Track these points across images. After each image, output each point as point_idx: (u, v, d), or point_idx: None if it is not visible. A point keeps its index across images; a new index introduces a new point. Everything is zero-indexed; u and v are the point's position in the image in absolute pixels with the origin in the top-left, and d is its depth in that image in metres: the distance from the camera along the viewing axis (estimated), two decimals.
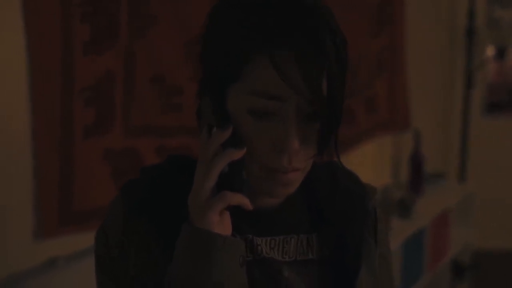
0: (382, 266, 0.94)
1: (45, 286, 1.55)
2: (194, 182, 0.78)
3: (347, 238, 0.90)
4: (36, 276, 1.54)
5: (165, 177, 0.88)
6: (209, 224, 0.76)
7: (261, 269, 0.85)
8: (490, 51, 3.93)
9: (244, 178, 0.78)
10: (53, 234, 1.58)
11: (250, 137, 0.79)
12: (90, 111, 1.61)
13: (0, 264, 1.51)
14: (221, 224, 0.78)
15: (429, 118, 3.65)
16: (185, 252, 0.77)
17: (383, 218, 0.98)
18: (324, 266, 0.90)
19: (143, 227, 0.83)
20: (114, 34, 1.64)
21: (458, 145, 3.87)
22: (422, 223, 2.90)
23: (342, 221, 0.91)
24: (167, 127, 1.80)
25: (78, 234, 1.58)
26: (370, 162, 3.11)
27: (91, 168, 1.64)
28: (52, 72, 1.53)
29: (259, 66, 0.76)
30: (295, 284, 0.86)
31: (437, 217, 3.05)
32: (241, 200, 0.78)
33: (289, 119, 0.77)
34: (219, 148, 0.78)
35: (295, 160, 0.79)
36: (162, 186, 0.86)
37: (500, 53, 3.85)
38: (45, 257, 1.58)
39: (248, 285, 0.81)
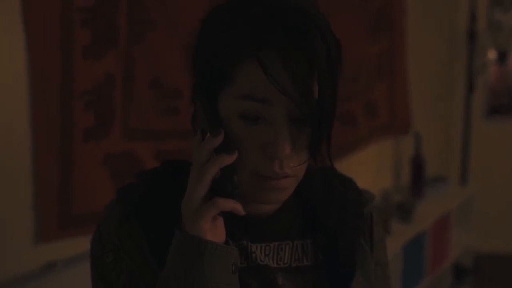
0: (378, 273, 0.93)
1: None
2: (187, 188, 0.76)
3: (341, 244, 0.89)
4: (35, 280, 1.52)
5: (160, 181, 0.86)
6: (200, 231, 0.74)
7: (255, 276, 0.84)
8: (491, 54, 3.92)
9: (236, 183, 0.76)
10: (53, 238, 1.57)
11: (241, 142, 0.76)
12: (89, 114, 1.60)
13: (0, 268, 1.49)
14: (214, 231, 0.75)
15: (431, 121, 3.64)
16: (177, 259, 0.75)
17: (380, 225, 0.97)
18: (319, 272, 0.88)
19: (137, 231, 0.82)
20: (114, 38, 1.64)
21: (459, 148, 3.86)
22: (423, 226, 2.89)
23: (337, 228, 0.90)
24: (166, 131, 1.78)
25: (76, 238, 1.57)
26: (371, 166, 3.10)
27: (91, 172, 1.63)
28: (52, 76, 1.52)
29: (247, 68, 0.74)
30: None
31: (437, 221, 3.04)
32: (234, 206, 0.75)
33: (279, 123, 0.74)
34: (211, 154, 0.75)
35: (287, 166, 0.76)
36: (156, 190, 0.85)
37: (501, 57, 3.83)
38: (44, 261, 1.57)
39: None
